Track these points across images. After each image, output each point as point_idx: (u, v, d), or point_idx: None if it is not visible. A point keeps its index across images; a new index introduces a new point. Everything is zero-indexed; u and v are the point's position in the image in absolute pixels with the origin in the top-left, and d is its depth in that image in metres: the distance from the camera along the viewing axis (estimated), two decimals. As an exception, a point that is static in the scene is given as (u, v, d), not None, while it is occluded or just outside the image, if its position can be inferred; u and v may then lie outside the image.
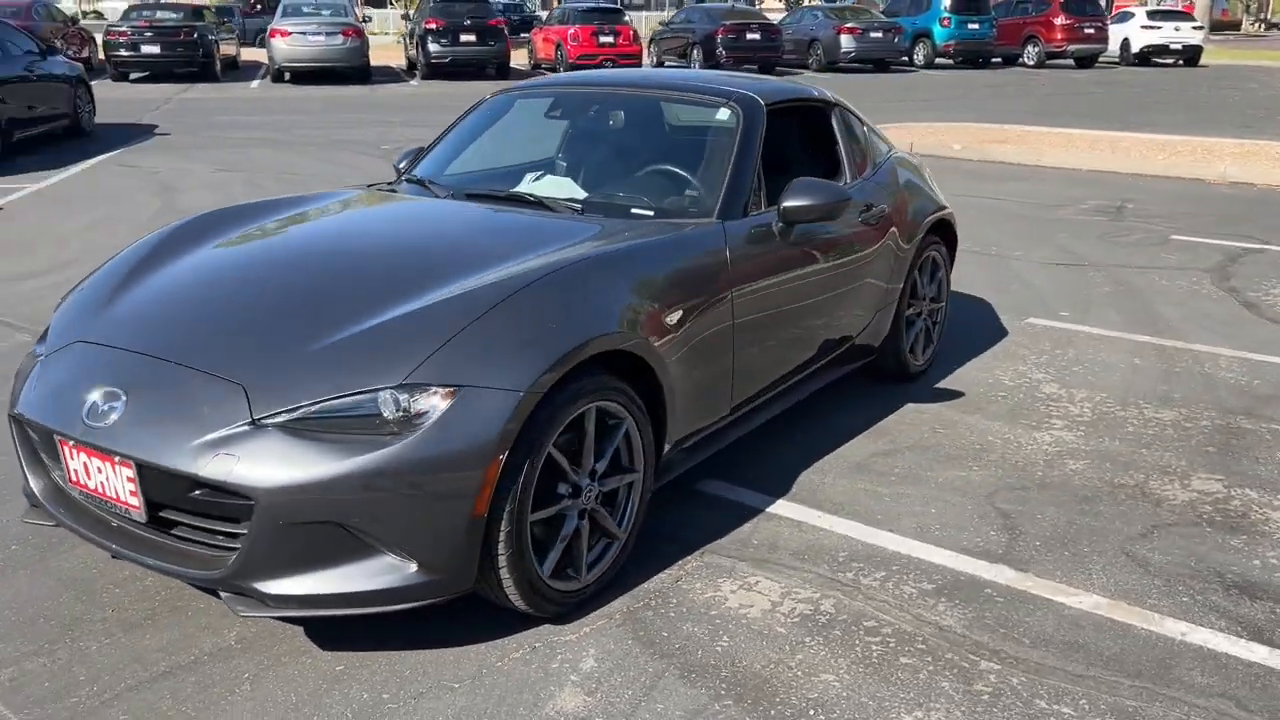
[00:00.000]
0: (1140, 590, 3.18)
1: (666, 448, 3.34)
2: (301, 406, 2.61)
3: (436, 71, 22.71)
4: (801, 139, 4.69)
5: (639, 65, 24.32)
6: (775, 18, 28.56)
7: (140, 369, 2.83)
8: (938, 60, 28.09)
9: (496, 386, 2.65)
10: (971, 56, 28.28)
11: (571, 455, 2.93)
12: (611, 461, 3.10)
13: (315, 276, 3.15)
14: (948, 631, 2.96)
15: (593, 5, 25.01)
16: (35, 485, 3.00)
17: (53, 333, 3.17)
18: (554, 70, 25.00)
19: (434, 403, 2.61)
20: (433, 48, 22.37)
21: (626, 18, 25.28)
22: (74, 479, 2.86)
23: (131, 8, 23.29)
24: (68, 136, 13.63)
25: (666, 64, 27.04)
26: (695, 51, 25.19)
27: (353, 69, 21.82)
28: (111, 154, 12.42)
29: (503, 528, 2.70)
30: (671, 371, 3.20)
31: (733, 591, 3.15)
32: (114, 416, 2.71)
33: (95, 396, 2.77)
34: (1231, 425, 4.51)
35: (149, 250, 3.49)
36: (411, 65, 24.68)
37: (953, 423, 4.51)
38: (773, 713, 2.60)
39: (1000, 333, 5.80)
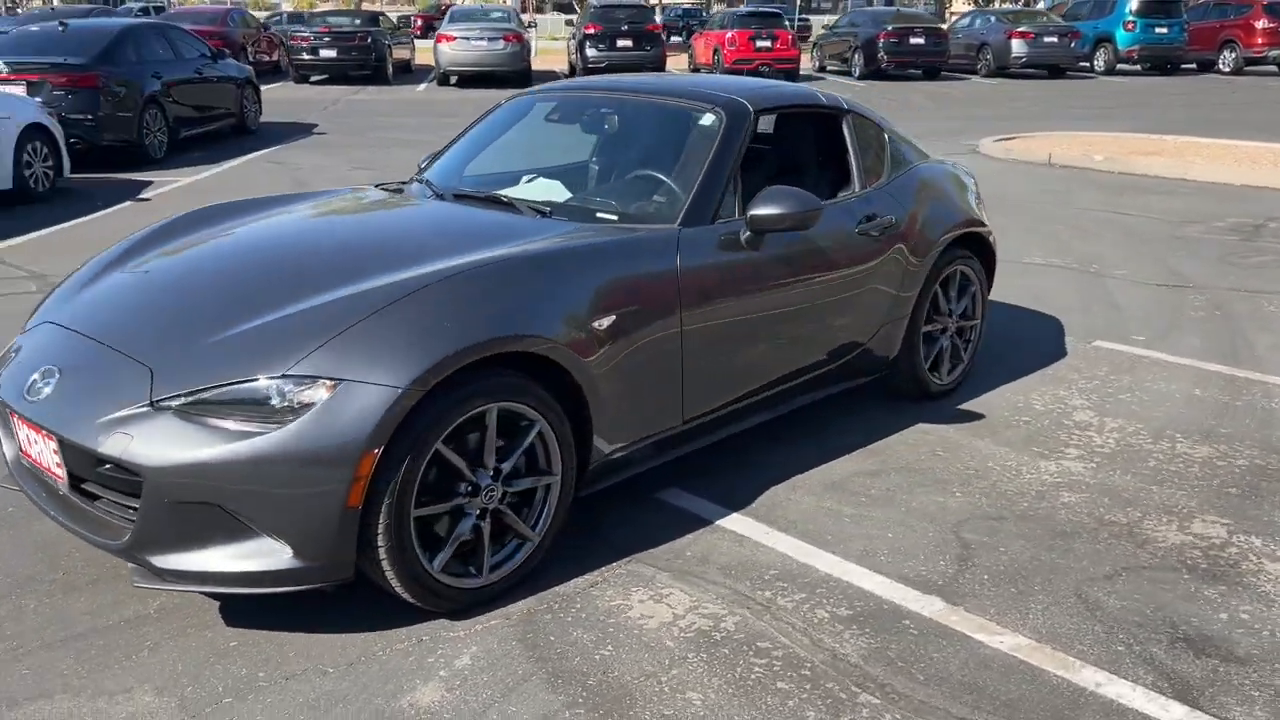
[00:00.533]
0: (1074, 635, 2.97)
1: (607, 451, 3.34)
2: (195, 391, 2.75)
3: (593, 75, 23.12)
4: (807, 147, 4.58)
5: (795, 71, 24.11)
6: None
7: (79, 349, 3.05)
8: (1120, 66, 26.60)
9: (376, 382, 2.72)
10: (1159, 62, 26.63)
11: (474, 454, 2.97)
12: (528, 463, 3.13)
13: (253, 271, 3.31)
14: (841, 660, 2.84)
15: (752, 9, 24.92)
16: (7, 453, 3.27)
17: (35, 316, 3.44)
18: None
19: (318, 394, 2.70)
20: (590, 52, 22.81)
21: (786, 22, 25.04)
22: (24, 449, 3.10)
23: (315, 15, 24.71)
24: (234, 134, 14.57)
25: (828, 68, 26.67)
26: (856, 56, 24.76)
27: (513, 73, 22.45)
28: (266, 151, 13.22)
29: (381, 520, 2.77)
30: (599, 377, 3.20)
31: (641, 601, 3.13)
32: (46, 392, 2.93)
33: (37, 374, 3.00)
34: (1270, 467, 4.13)
35: (132, 243, 3.74)
36: (573, 69, 25.21)
37: (957, 446, 4.30)
38: (618, 725, 2.57)
39: (1057, 354, 5.49)
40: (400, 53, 25.21)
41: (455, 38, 22.04)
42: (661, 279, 3.42)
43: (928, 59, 24.40)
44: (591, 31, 22.95)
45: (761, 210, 3.62)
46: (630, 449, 3.45)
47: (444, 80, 23.13)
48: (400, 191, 4.27)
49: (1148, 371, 5.25)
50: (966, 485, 3.94)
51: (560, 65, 27.76)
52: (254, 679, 2.74)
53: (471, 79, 22.87)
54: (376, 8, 27.36)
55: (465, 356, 2.83)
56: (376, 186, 4.40)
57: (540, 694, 2.68)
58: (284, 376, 2.73)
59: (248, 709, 2.62)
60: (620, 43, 22.85)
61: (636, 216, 3.70)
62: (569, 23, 28.49)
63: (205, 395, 2.75)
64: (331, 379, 2.72)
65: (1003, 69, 25.24)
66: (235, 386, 2.74)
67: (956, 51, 25.91)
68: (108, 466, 2.79)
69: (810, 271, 3.93)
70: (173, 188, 10.57)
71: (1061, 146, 12.69)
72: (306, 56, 22.55)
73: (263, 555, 2.73)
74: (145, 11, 26.38)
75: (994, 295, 6.50)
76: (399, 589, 2.89)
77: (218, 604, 3.09)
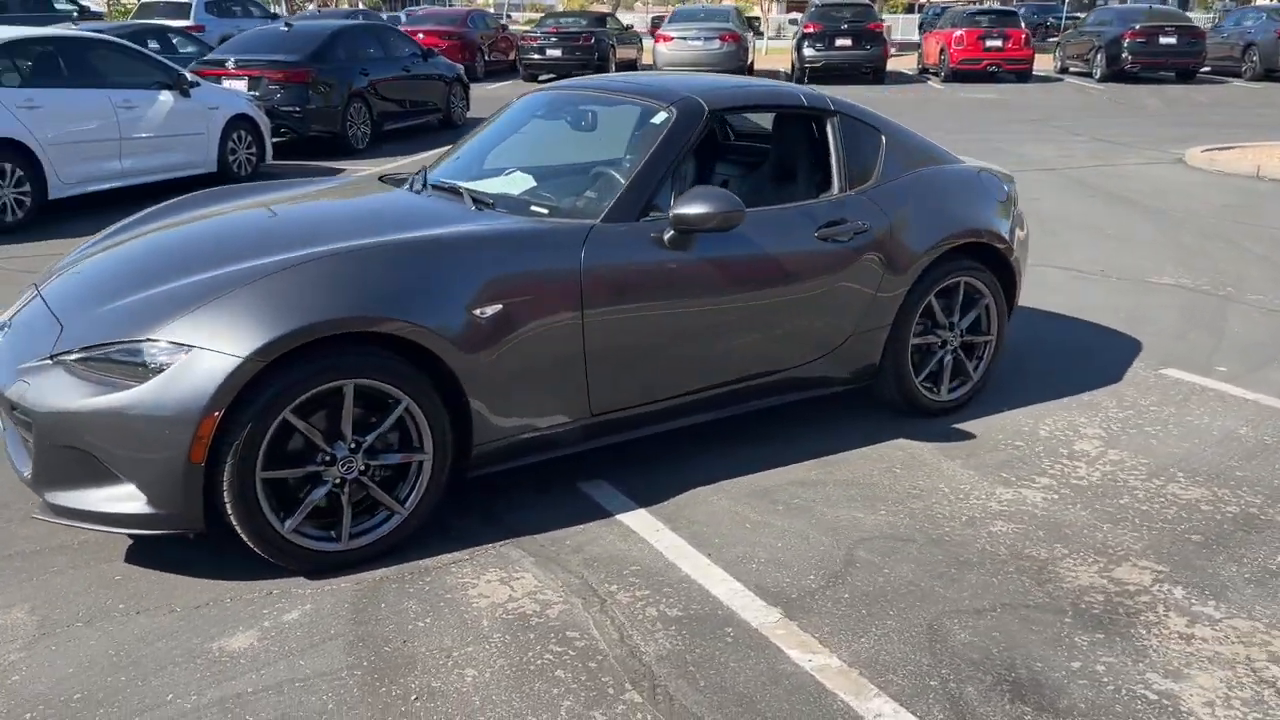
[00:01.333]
0: (893, 664, 2.84)
1: (494, 435, 3.44)
2: (86, 349, 3.11)
3: (810, 76, 22.89)
4: (790, 148, 4.48)
5: (1027, 72, 22.90)
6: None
7: (34, 309, 3.50)
8: None
9: (220, 350, 2.98)
10: None
11: (334, 426, 3.18)
12: (402, 439, 3.32)
13: (181, 248, 3.65)
14: (636, 658, 2.85)
15: (984, 7, 23.85)
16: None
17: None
18: (936, 75, 24.24)
19: (175, 358, 3.00)
20: (807, 52, 22.59)
21: (1022, 21, 23.80)
22: (-9, 394, 3.59)
23: (546, 15, 25.81)
24: (440, 129, 15.50)
25: (1070, 69, 25.15)
26: (1098, 56, 23.21)
27: (729, 72, 22.58)
28: (458, 144, 14.01)
29: (225, 479, 3.03)
30: (481, 363, 3.33)
31: (489, 581, 3.24)
32: None
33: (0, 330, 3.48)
34: (1263, 516, 3.71)
35: (130, 220, 4.20)
36: (794, 69, 25.04)
37: (921, 464, 4.11)
38: (382, 689, 2.71)
39: (1110, 379, 5.08)
40: (626, 52, 25.90)
41: (672, 38, 22.44)
42: (561, 273, 3.50)
43: (1180, 60, 22.55)
44: (810, 31, 22.73)
45: (684, 209, 3.63)
46: (527, 435, 3.56)
47: (662, 79, 23.56)
48: (399, 182, 4.52)
49: (1200, 405, 4.77)
50: (899, 504, 3.78)
51: (784, 65, 27.62)
52: (112, 609, 3.07)
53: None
54: (636, 12, 27.96)
55: (309, 334, 3.04)
56: (380, 179, 4.69)
57: (335, 653, 2.86)
58: (149, 340, 3.04)
59: (89, 634, 2.95)
60: (839, 42, 22.50)
61: (566, 210, 3.80)
62: (792, 21, 28.29)
63: (92, 353, 3.10)
64: (187, 345, 3.00)
65: (1271, 72, 22.94)
66: (113, 346, 3.08)
67: (1219, 52, 23.80)
68: (17, 410, 3.20)
69: (753, 275, 3.89)
70: (358, 175, 11.45)
71: (1277, 159, 11.48)
72: (534, 56, 23.61)
73: (126, 500, 3.05)
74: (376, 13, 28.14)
75: (1087, 312, 6.10)
76: (251, 543, 3.14)
77: (130, 542, 3.45)
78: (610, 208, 3.72)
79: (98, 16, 26.25)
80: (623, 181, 3.80)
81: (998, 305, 4.63)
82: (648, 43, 27.50)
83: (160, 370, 2.99)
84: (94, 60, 9.74)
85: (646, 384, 3.77)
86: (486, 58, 24.63)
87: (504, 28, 26.27)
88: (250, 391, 3.01)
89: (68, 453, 3.06)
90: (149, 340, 3.04)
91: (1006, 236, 4.59)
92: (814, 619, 3.05)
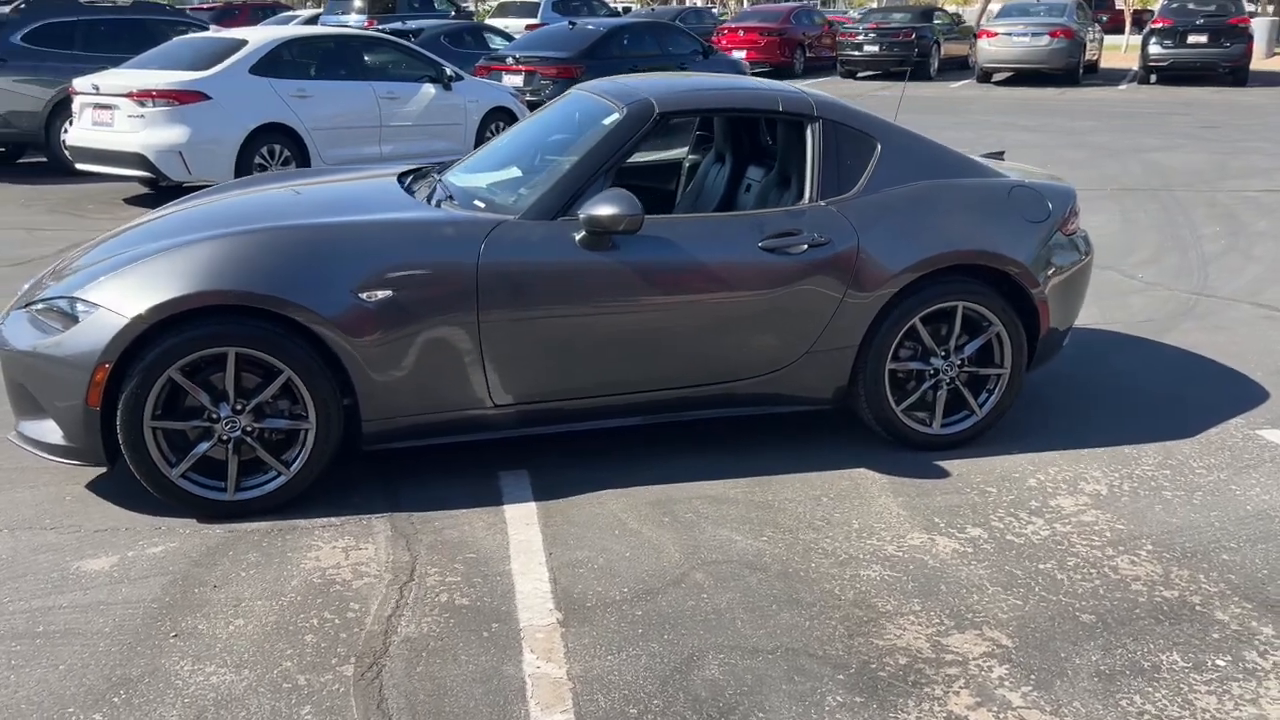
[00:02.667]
0: (611, 685, 2.76)
1: (384, 415, 3.65)
2: (45, 299, 3.68)
3: (1158, 75, 20.81)
4: (763, 154, 4.27)
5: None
6: None
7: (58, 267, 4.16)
8: None
9: (113, 310, 3.43)
10: None
11: (237, 389, 3.55)
12: (292, 407, 3.63)
13: (171, 226, 4.12)
14: (385, 637, 2.97)
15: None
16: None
17: None
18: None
19: (87, 315, 3.49)
20: (1153, 49, 20.58)
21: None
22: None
23: (871, 10, 25.26)
24: (720, 123, 15.76)
25: None
26: None
27: (1059, 71, 21.05)
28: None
29: (119, 424, 3.48)
30: (364, 344, 3.56)
31: (334, 548, 3.46)
32: (20, 291, 4.08)
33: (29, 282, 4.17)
34: (1195, 608, 3.14)
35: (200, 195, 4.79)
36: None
37: (852, 498, 3.84)
38: (158, 623, 3.03)
39: (1177, 432, 4.42)
40: (955, 48, 24.82)
41: (997, 33, 21.24)
42: (457, 266, 3.64)
43: None
44: (1159, 26, 20.67)
45: (594, 210, 3.65)
46: (422, 418, 3.74)
47: (984, 78, 22.37)
48: (417, 173, 4.74)
49: (1270, 475, 4.04)
50: (790, 533, 3.57)
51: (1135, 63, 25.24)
52: (36, 523, 3.62)
53: (1017, 77, 21.86)
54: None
55: (187, 303, 3.42)
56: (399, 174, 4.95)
57: (155, 587, 3.22)
58: (77, 298, 3.55)
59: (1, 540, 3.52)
60: (1191, 39, 20.28)
61: (499, 206, 3.92)
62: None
63: (48, 304, 3.66)
64: (95, 304, 3.48)
65: None
66: (56, 300, 3.63)
67: None
68: None
69: (681, 282, 3.81)
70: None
71: None
72: (852, 52, 23.26)
73: (51, 433, 3.59)
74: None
75: (1230, 355, 5.33)
76: (146, 485, 3.58)
77: (103, 471, 4.02)
78: (529, 206, 3.81)
79: (469, 15, 29.01)
80: (549, 180, 3.87)
81: (1012, 336, 4.17)
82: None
83: (76, 322, 3.49)
84: (365, 56, 10.95)
85: (558, 382, 3.82)
86: (806, 54, 24.57)
87: (830, 25, 26.01)
88: (138, 348, 3.44)
89: (18, 387, 3.65)
90: (77, 298, 3.55)
91: (1022, 259, 4.12)
92: (585, 629, 3.01)
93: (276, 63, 10.05)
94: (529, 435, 4.00)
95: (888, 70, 23.38)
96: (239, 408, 3.57)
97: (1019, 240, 4.17)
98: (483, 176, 4.35)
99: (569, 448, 4.17)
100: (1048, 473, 4.06)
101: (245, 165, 9.57)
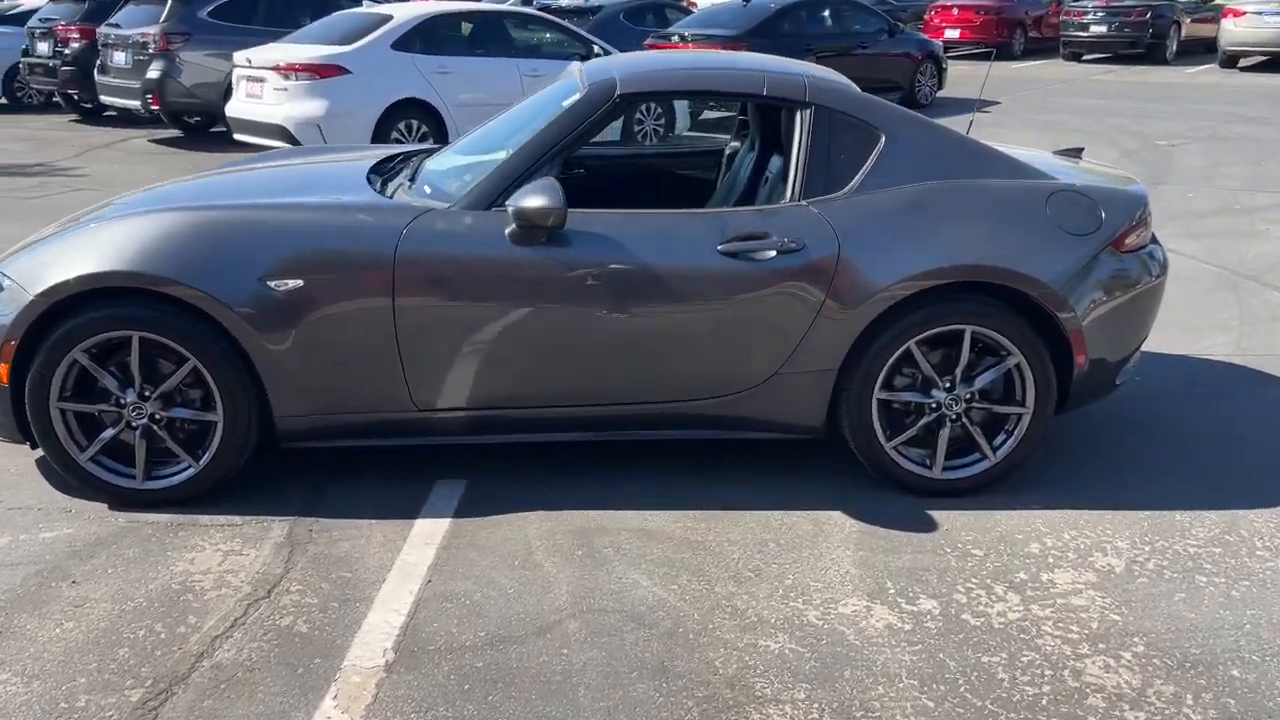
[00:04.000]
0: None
1: (298, 411, 3.42)
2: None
3: None
4: (748, 143, 3.71)
5: None
6: None
7: None
8: None
9: (21, 286, 3.34)
10: None
11: (144, 374, 3.41)
12: (203, 399, 3.46)
13: (134, 200, 4.03)
14: (195, 659, 2.73)
15: None
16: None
17: None
18: None
19: (3, 287, 3.43)
20: None
21: None
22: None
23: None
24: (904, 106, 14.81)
25: None
26: None
27: (1315, 56, 18.59)
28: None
29: (26, 402, 3.41)
30: (272, 335, 3.34)
31: (218, 551, 3.26)
32: None
33: None
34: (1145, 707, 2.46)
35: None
36: None
37: (806, 548, 3.30)
38: (-8, 617, 2.92)
39: (1271, 501, 3.60)
40: (1201, 29, 22.38)
41: (1245, 13, 18.95)
42: (373, 256, 3.35)
43: None
44: None
45: (523, 201, 3.28)
46: (340, 417, 3.49)
47: (1229, 63, 20.04)
48: (411, 156, 4.46)
49: (1351, 564, 3.21)
50: (704, 585, 3.09)
51: None
52: (-34, 495, 3.63)
53: (1271, 62, 19.50)
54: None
55: (87, 283, 3.29)
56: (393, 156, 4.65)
57: (17, 576, 3.11)
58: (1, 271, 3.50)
59: (-75, 509, 3.53)
60: None
61: (441, 193, 3.58)
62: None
63: None
64: (10, 278, 3.41)
65: None
66: None
67: None
68: None
69: (622, 286, 3.38)
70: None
71: None
72: (1076, 33, 21.40)
73: (-14, 405, 3.56)
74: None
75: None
76: (59, 470, 3.50)
77: (59, 446, 4.00)
78: (464, 194, 3.47)
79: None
80: (489, 167, 3.51)
81: (1036, 369, 3.49)
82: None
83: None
84: (511, 33, 10.87)
85: (487, 389, 3.47)
86: (1027, 34, 22.84)
87: (1059, 3, 24.05)
88: (42, 327, 3.34)
89: None
90: (1, 271, 3.50)
91: (1047, 279, 3.42)
92: (408, 678, 2.67)
93: (420, 38, 10.11)
94: (471, 444, 3.68)
95: (1117, 53, 21.36)
96: (146, 394, 3.43)
97: (1047, 255, 3.46)
98: (456, 160, 4.03)
99: (520, 460, 3.82)
100: (1061, 537, 3.37)
101: (383, 138, 9.67)
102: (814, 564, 3.21)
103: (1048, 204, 3.56)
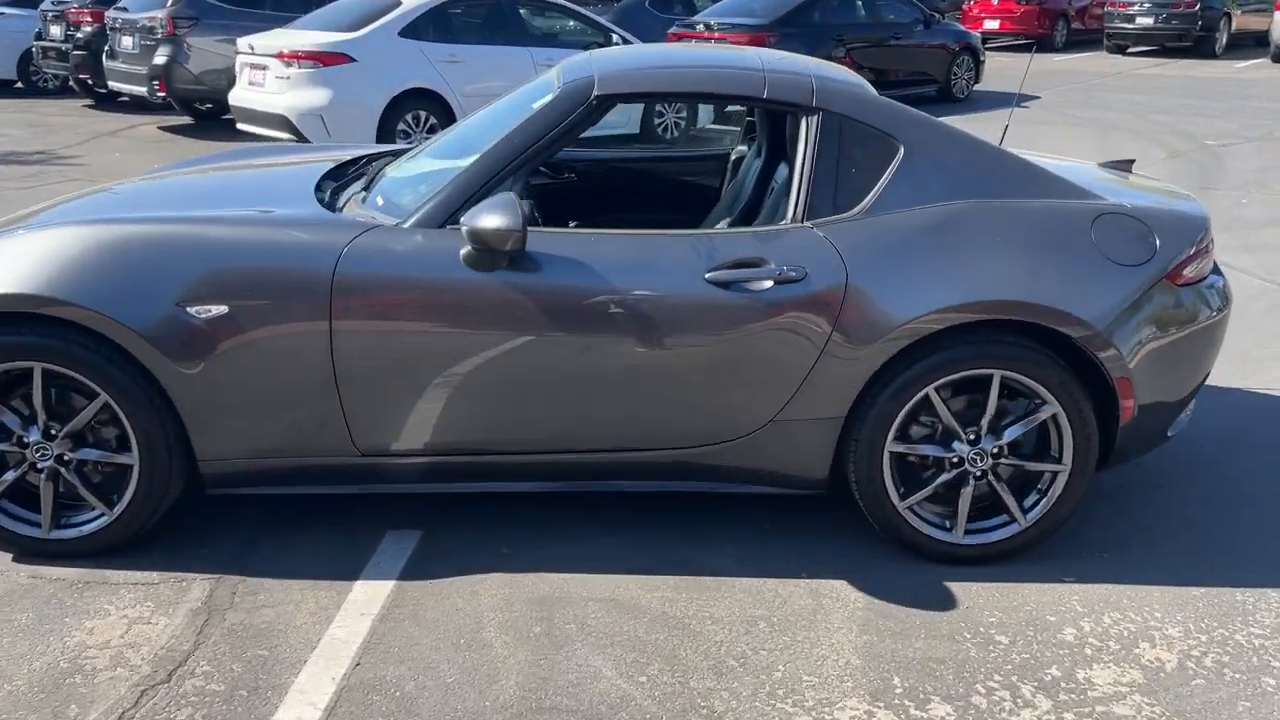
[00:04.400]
0: None
1: (225, 454, 3.00)
2: None
3: None
4: (750, 154, 3.24)
5: None
6: None
7: None
8: None
9: None
10: None
11: (52, 410, 2.99)
12: (119, 438, 3.04)
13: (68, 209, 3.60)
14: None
15: None
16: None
17: None
18: None
19: None
20: None
21: None
22: None
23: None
24: (940, 100, 14.24)
25: None
26: None
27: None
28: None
29: (-71, 437, 3.00)
30: (192, 367, 2.90)
31: (123, 618, 2.83)
32: None
33: None
34: None
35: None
36: None
37: (802, 629, 2.83)
38: None
39: (1336, 577, 3.09)
40: (1252, 21, 21.54)
41: (1299, 5, 18.14)
42: (308, 279, 2.91)
43: None
44: None
45: (478, 221, 2.82)
46: (275, 462, 3.06)
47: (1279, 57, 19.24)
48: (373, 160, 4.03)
49: None
50: (677, 678, 2.63)
51: None
52: None
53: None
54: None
55: (-4, 305, 2.86)
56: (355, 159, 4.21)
57: (-107, 645, 2.72)
58: None
59: None
60: None
61: (394, 207, 3.13)
62: None
63: None
64: None
65: None
66: None
67: None
68: None
69: (591, 317, 2.92)
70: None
71: None
72: (1121, 24, 20.63)
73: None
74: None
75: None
76: (-37, 513, 3.09)
77: None
78: (417, 209, 3.02)
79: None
80: (446, 178, 3.06)
81: (1075, 420, 2.99)
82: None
83: None
84: (526, 20, 10.38)
85: (441, 432, 3.03)
86: (1070, 26, 22.08)
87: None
88: (-64, 354, 2.93)
89: None
90: None
91: (1089, 317, 2.92)
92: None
93: (429, 25, 9.66)
94: (429, 493, 3.24)
95: (1164, 46, 20.55)
96: (52, 432, 3.01)
97: (1091, 289, 2.96)
98: (421, 166, 3.58)
99: (484, 509, 3.38)
100: (1100, 620, 2.88)
101: (388, 130, 9.26)
102: (809, 651, 2.74)
103: (1093, 228, 3.05)
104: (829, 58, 12.59)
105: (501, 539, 3.23)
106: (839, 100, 3.07)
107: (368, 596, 2.95)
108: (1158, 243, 3.08)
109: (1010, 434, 3.03)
